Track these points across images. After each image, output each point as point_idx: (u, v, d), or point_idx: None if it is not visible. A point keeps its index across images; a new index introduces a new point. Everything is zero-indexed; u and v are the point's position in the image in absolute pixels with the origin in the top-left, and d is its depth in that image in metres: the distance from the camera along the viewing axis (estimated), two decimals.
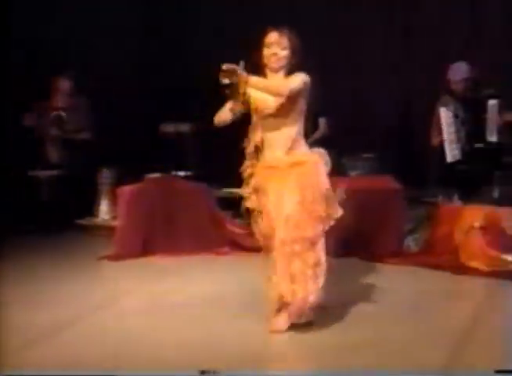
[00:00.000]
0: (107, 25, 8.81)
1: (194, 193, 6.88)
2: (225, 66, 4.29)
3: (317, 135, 7.51)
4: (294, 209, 4.44)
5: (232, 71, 4.28)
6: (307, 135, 4.76)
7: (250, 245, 6.58)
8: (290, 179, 4.50)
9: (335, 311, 4.74)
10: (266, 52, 4.54)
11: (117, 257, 6.37)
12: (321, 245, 4.50)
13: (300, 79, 4.48)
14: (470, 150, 6.99)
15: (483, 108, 6.96)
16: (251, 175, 4.81)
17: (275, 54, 4.51)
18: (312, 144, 7.49)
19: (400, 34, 8.90)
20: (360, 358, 3.94)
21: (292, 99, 4.48)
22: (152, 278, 5.78)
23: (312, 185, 4.50)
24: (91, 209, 7.61)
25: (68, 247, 6.88)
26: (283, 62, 4.53)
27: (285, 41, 4.51)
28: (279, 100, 4.48)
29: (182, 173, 8.02)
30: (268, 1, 8.89)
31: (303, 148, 4.63)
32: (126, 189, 6.66)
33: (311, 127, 7.58)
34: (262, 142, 4.66)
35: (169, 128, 8.68)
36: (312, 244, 4.45)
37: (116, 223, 6.76)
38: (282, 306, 4.45)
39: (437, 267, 5.84)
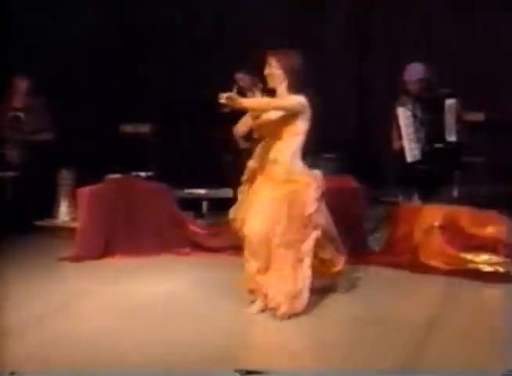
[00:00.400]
0: (67, 25, 8.74)
1: (154, 193, 6.84)
2: (223, 100, 4.66)
3: None
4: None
5: (228, 100, 4.66)
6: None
7: (212, 246, 6.60)
8: (282, 194, 4.80)
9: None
10: (265, 71, 4.95)
11: (77, 258, 6.32)
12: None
13: (294, 101, 4.85)
14: (429, 150, 7.04)
15: (441, 108, 7.02)
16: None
17: (269, 74, 4.92)
18: None
19: (357, 33, 8.97)
20: (317, 359, 3.95)
21: (285, 118, 4.84)
22: (113, 279, 5.74)
23: (298, 206, 4.79)
24: (50, 210, 7.54)
25: (28, 248, 6.80)
26: (277, 81, 4.89)
27: (278, 62, 4.87)
28: (273, 116, 4.85)
29: (142, 174, 7.99)
30: None
31: (298, 167, 4.90)
32: (86, 190, 6.60)
33: None
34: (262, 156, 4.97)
35: (129, 128, 8.64)
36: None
37: (76, 224, 6.70)
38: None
39: (397, 266, 5.89)
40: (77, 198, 6.65)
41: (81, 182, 7.07)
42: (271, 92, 5.04)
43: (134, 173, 7.87)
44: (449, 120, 7.02)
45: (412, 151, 7.04)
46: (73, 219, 7.12)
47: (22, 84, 7.91)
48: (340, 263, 5.19)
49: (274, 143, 4.91)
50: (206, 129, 8.03)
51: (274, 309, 4.68)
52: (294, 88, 4.89)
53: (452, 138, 7.03)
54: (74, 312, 4.88)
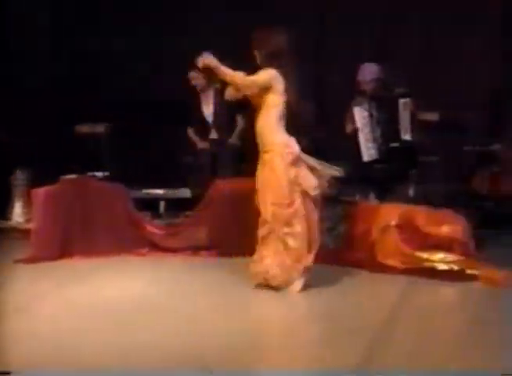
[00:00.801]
0: (20, 24, 8.64)
1: (111, 194, 6.79)
2: (200, 63, 5.11)
3: (237, 130, 7.78)
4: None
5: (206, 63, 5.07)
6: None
7: (169, 246, 6.57)
8: (264, 170, 5.20)
9: (250, 309, 4.78)
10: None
11: (33, 259, 6.23)
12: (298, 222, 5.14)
13: (264, 75, 5.13)
14: (385, 149, 7.09)
15: (395, 107, 7.08)
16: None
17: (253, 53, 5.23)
18: (236, 139, 7.68)
19: (312, 34, 9.00)
20: (272, 359, 3.94)
21: (260, 92, 5.14)
22: (69, 280, 5.68)
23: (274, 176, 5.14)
24: (4, 212, 7.44)
25: None
26: (258, 59, 5.21)
27: (255, 42, 5.23)
28: (246, 91, 5.21)
29: (98, 174, 7.93)
30: None
31: (278, 137, 5.19)
32: (41, 191, 6.52)
33: (230, 125, 7.69)
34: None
35: (85, 128, 8.56)
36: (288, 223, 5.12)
37: (31, 225, 6.62)
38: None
39: (354, 265, 5.91)
40: (32, 199, 6.57)
41: (36, 182, 6.98)
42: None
43: (90, 173, 7.81)
44: (404, 119, 7.09)
45: (368, 150, 7.09)
46: (28, 220, 7.03)
47: None
48: (308, 259, 5.23)
49: (257, 117, 5.23)
50: (163, 129, 8.01)
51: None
52: (276, 63, 5.16)
53: (407, 136, 7.10)
54: (31, 314, 4.81)
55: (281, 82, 5.15)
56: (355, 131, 7.10)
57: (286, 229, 5.17)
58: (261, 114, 5.21)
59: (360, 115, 7.13)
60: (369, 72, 7.12)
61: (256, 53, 5.27)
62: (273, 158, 5.16)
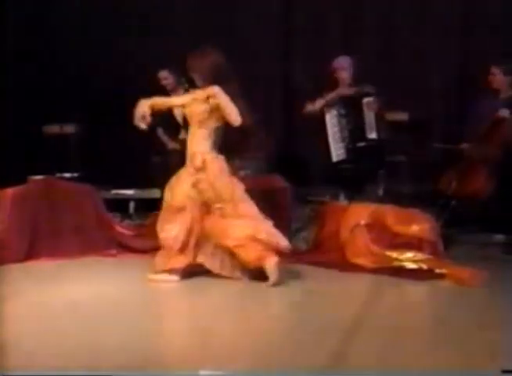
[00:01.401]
0: None
1: (79, 194, 6.74)
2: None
3: None
4: None
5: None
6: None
7: (139, 246, 6.54)
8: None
9: (220, 310, 4.78)
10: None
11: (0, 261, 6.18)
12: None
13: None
14: (353, 149, 7.13)
15: (360, 106, 7.13)
16: None
17: (192, 76, 5.63)
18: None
19: (281, 32, 9.02)
20: (243, 359, 3.94)
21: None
22: (36, 282, 5.63)
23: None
24: None
25: None
26: (198, 82, 5.58)
27: (195, 64, 5.55)
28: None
29: (67, 175, 7.87)
30: None
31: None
32: (8, 192, 6.46)
33: None
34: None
35: (53, 128, 8.49)
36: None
37: None
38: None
39: (324, 265, 5.92)
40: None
41: (3, 183, 6.90)
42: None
43: (58, 174, 7.75)
44: (369, 118, 7.15)
45: (337, 151, 7.13)
46: None
47: None
48: (272, 256, 5.34)
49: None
50: (132, 129, 7.96)
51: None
52: (216, 84, 5.41)
53: (372, 135, 7.15)
54: None
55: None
56: (327, 142, 7.16)
57: None
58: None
59: (329, 115, 7.16)
60: (345, 60, 7.21)
61: (194, 77, 5.60)
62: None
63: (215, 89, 5.40)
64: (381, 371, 3.73)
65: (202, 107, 5.47)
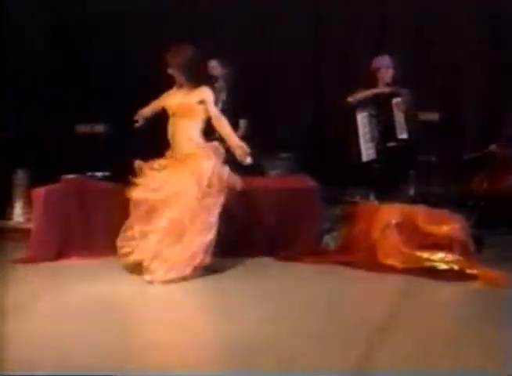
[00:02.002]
0: (20, 23, 8.64)
1: (110, 194, 6.76)
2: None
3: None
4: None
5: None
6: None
7: None
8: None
9: (247, 310, 4.78)
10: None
11: (31, 260, 6.22)
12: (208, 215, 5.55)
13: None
14: (383, 149, 7.11)
15: (390, 107, 7.11)
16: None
17: (170, 73, 5.75)
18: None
19: (313, 35, 9.01)
20: (273, 357, 3.94)
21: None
22: (67, 280, 5.67)
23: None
24: (4, 212, 7.42)
25: None
26: (178, 77, 5.75)
27: (171, 60, 5.70)
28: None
29: (98, 174, 7.92)
30: None
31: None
32: (41, 191, 6.52)
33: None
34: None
35: (84, 128, 8.56)
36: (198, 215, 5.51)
37: (30, 225, 6.61)
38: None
39: (353, 265, 5.91)
40: (33, 199, 6.56)
41: (36, 182, 6.97)
42: None
43: (90, 173, 7.80)
44: (399, 118, 7.12)
45: (367, 150, 7.11)
46: (28, 220, 7.02)
47: None
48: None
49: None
50: (163, 128, 7.99)
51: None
52: (194, 80, 5.69)
53: (403, 135, 7.12)
54: (29, 314, 4.81)
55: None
56: (357, 142, 7.14)
57: None
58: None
59: (360, 115, 7.15)
60: (385, 60, 7.19)
61: (171, 71, 5.74)
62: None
63: (208, 96, 5.68)
64: (410, 372, 3.72)
65: (193, 106, 5.70)
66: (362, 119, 7.16)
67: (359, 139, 7.13)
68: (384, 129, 7.13)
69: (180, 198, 5.56)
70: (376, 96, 7.18)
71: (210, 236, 5.56)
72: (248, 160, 5.64)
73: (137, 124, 5.97)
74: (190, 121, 5.71)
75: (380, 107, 7.15)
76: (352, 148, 7.24)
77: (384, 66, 7.22)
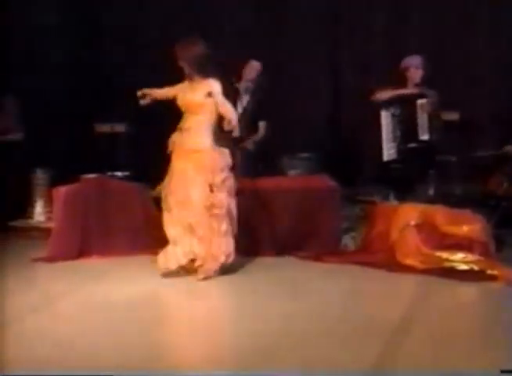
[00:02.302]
0: (41, 25, 8.68)
1: (130, 193, 6.81)
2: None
3: (257, 137, 7.57)
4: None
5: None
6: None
7: None
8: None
9: (268, 309, 4.78)
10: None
11: (51, 258, 6.26)
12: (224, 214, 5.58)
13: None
14: (404, 149, 7.08)
15: (414, 107, 7.07)
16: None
17: (180, 66, 5.74)
18: (252, 145, 7.54)
19: (329, 35, 9.00)
20: (291, 357, 3.95)
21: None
22: (87, 279, 5.70)
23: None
24: (25, 211, 7.46)
25: (1, 249, 6.71)
26: (187, 70, 5.72)
27: (180, 54, 5.69)
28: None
29: (118, 173, 7.95)
30: None
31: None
32: (62, 190, 6.55)
33: (251, 130, 7.57)
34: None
35: (104, 128, 8.59)
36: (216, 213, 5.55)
37: (51, 225, 6.65)
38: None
39: (373, 265, 5.90)
40: (53, 198, 6.60)
41: (56, 181, 7.01)
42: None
43: (109, 173, 7.83)
44: (422, 119, 7.08)
45: (388, 150, 7.09)
46: (49, 219, 7.05)
47: None
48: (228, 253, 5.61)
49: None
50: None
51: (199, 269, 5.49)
52: (203, 73, 5.67)
53: (425, 137, 7.09)
54: (49, 313, 4.85)
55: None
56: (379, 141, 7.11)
57: None
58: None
59: (384, 115, 7.13)
60: (414, 60, 7.16)
61: (182, 64, 5.72)
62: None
63: (215, 87, 5.63)
64: (430, 372, 3.71)
65: (202, 100, 5.67)
66: (386, 118, 7.14)
67: (382, 139, 7.11)
68: (407, 129, 7.10)
69: (189, 204, 5.61)
70: (402, 96, 7.13)
71: (227, 235, 5.58)
72: (235, 133, 5.71)
73: (142, 102, 5.93)
74: (201, 116, 5.68)
75: (405, 107, 7.11)
76: (373, 147, 7.22)
77: (413, 66, 7.18)
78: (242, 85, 7.63)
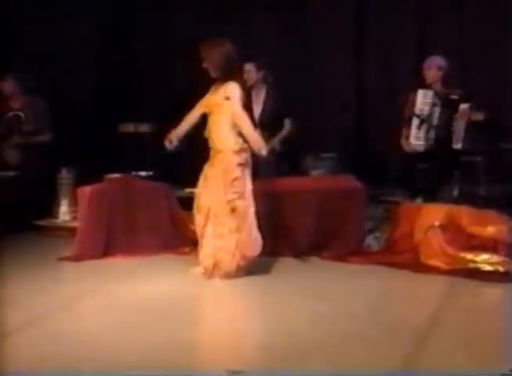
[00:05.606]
0: (64, 23, 8.74)
1: (154, 193, 6.83)
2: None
3: (282, 135, 7.56)
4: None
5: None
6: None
7: None
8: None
9: (294, 310, 4.78)
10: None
11: (77, 258, 6.30)
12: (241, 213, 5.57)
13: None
14: (432, 152, 7.00)
15: (455, 111, 6.96)
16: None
17: (205, 66, 5.65)
18: (278, 144, 7.52)
19: (354, 35, 8.98)
20: (319, 358, 3.95)
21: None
22: (112, 279, 5.73)
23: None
24: (51, 210, 7.51)
25: (27, 248, 6.77)
26: (211, 72, 5.64)
27: (206, 54, 5.62)
28: None
29: (142, 173, 7.98)
30: None
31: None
32: (86, 190, 6.59)
33: (277, 127, 7.56)
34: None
35: (129, 127, 8.64)
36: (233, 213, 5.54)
37: (76, 224, 6.69)
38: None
39: (397, 266, 5.88)
40: (78, 198, 6.64)
41: (81, 181, 7.05)
42: None
43: (134, 172, 7.87)
44: (459, 126, 6.97)
45: (416, 140, 6.99)
46: (74, 219, 7.10)
47: (8, 86, 7.84)
48: (255, 250, 5.60)
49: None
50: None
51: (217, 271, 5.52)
52: (227, 75, 5.57)
53: (457, 146, 6.98)
54: (75, 312, 4.87)
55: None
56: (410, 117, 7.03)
57: None
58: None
59: (423, 95, 7.04)
60: (433, 61, 7.10)
61: (206, 66, 5.65)
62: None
63: (233, 92, 5.53)
64: (456, 373, 3.70)
65: (221, 101, 5.61)
66: (423, 99, 7.02)
67: (412, 124, 7.01)
68: (442, 135, 6.98)
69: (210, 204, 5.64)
70: (441, 99, 7.02)
71: (245, 235, 5.59)
72: (264, 152, 5.54)
73: (170, 146, 5.83)
74: (220, 116, 5.62)
75: (445, 108, 7.00)
76: (398, 147, 7.14)
77: (425, 67, 7.12)
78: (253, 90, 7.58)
